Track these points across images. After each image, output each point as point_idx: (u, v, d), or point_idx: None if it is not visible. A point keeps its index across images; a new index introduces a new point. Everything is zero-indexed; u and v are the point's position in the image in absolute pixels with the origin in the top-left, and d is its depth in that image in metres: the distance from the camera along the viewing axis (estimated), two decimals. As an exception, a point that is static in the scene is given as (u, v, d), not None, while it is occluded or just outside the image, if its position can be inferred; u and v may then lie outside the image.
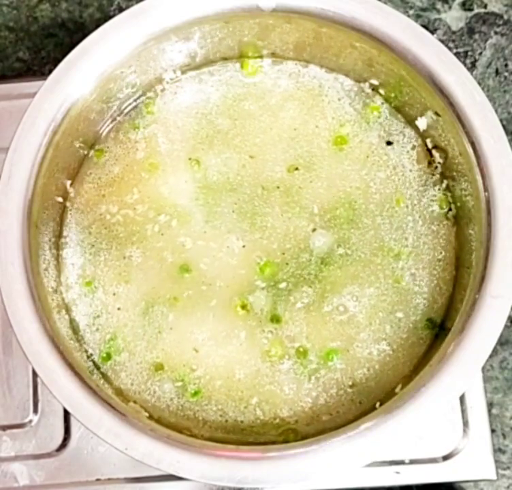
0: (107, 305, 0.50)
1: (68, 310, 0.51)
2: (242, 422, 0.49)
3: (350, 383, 0.49)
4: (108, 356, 0.50)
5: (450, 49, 0.48)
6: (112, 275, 0.51)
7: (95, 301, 0.51)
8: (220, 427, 0.49)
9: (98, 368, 0.50)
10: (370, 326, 0.50)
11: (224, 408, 0.49)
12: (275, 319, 0.49)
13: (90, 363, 0.50)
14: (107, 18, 0.48)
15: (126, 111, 0.54)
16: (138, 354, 0.50)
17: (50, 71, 0.47)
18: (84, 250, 0.52)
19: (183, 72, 0.54)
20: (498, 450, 0.56)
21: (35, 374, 0.52)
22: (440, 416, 0.42)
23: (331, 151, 0.52)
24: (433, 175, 0.52)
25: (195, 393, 0.49)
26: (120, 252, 0.51)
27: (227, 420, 0.49)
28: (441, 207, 0.51)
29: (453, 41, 0.63)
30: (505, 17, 0.63)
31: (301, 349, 0.49)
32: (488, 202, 0.45)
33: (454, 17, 0.63)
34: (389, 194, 0.51)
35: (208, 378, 0.49)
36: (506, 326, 0.43)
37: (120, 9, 0.63)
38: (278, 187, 0.52)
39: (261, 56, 0.54)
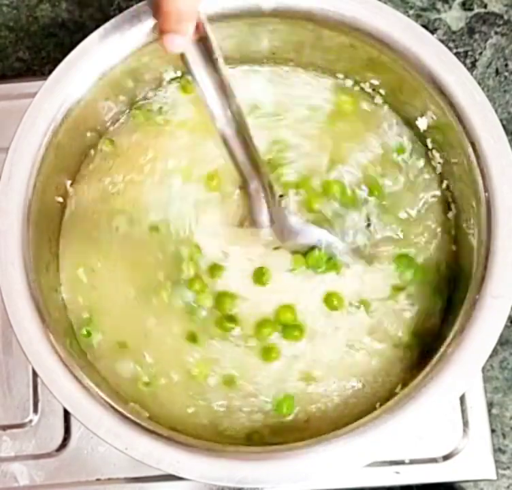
0: (109, 303, 0.51)
1: (68, 310, 0.51)
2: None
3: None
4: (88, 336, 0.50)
5: (450, 49, 0.48)
6: (115, 273, 0.51)
7: (96, 300, 0.51)
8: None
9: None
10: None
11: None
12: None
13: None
14: (107, 17, 0.48)
15: (126, 111, 0.54)
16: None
17: (50, 71, 0.47)
18: (84, 250, 0.51)
19: (184, 72, 0.54)
20: (498, 450, 0.56)
21: (35, 374, 0.52)
22: (440, 416, 0.42)
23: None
24: (433, 175, 0.52)
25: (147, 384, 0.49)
26: (122, 251, 0.51)
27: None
28: (441, 207, 0.51)
29: (453, 41, 0.62)
30: (505, 17, 0.63)
31: None
32: (488, 202, 0.45)
33: (454, 17, 0.63)
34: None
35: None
36: (506, 326, 0.43)
37: (120, 9, 0.63)
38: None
39: (261, 56, 0.54)
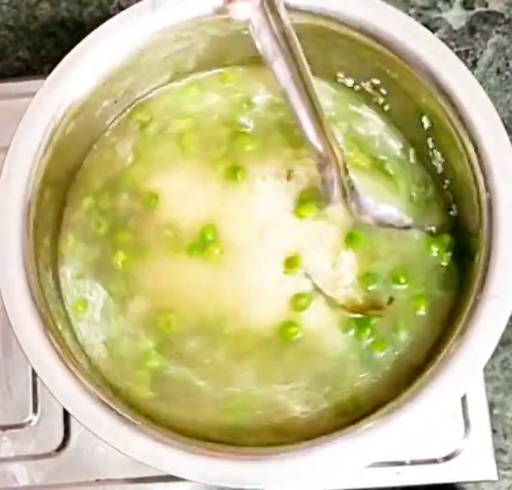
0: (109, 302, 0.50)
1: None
2: None
3: None
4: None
5: (451, 48, 0.48)
6: (114, 272, 0.51)
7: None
8: None
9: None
10: None
11: None
12: None
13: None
14: (107, 16, 0.48)
15: (127, 110, 0.54)
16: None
17: (50, 70, 0.47)
18: (84, 250, 0.51)
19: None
20: (499, 451, 0.56)
21: (34, 374, 0.52)
22: (441, 416, 0.42)
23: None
24: (434, 175, 0.52)
25: None
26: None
27: None
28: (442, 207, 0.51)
29: (454, 40, 0.62)
30: (506, 16, 0.63)
31: None
32: (489, 202, 0.45)
33: (455, 16, 0.63)
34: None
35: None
36: (507, 326, 0.43)
37: (121, 8, 0.63)
38: None
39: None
